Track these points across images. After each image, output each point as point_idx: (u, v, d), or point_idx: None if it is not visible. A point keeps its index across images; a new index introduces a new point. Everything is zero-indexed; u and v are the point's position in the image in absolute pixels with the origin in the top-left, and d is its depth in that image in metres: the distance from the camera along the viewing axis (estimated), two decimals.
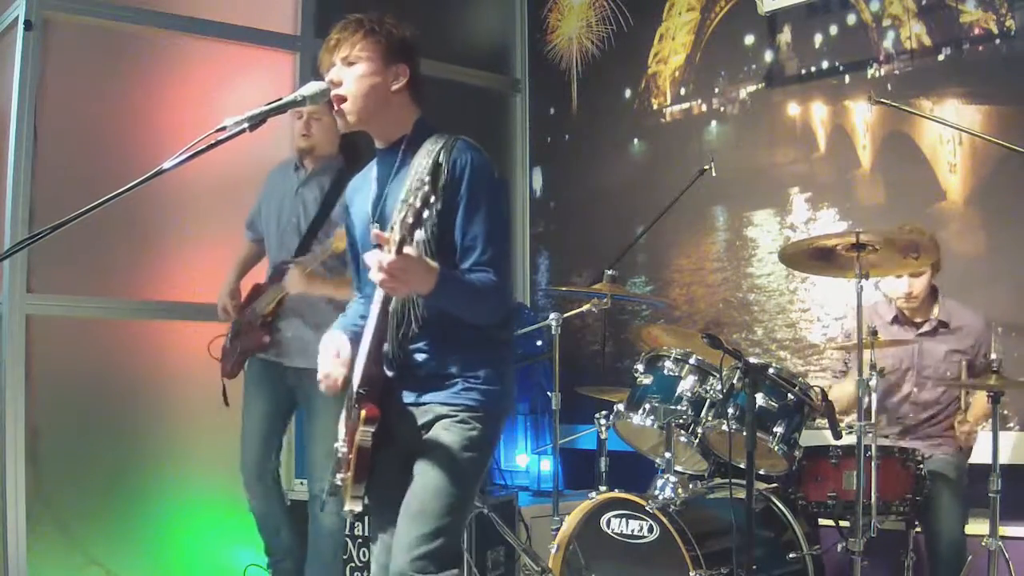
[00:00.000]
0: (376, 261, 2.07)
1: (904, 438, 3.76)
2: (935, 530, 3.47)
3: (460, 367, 2.35)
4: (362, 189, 2.52)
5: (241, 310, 3.78)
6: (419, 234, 2.16)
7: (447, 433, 2.32)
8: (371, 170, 2.51)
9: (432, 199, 2.06)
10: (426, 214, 2.07)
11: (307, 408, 3.70)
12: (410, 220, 2.04)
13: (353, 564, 4.03)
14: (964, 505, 3.54)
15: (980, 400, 3.65)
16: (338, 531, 3.73)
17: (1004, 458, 3.59)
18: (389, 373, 2.37)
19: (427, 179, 2.09)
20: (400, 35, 2.42)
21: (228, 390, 3.83)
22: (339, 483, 2.37)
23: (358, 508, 2.33)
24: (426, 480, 2.30)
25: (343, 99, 2.36)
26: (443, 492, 2.28)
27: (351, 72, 2.37)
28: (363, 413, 2.27)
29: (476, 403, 2.34)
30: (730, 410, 3.39)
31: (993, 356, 3.35)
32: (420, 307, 2.31)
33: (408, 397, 2.39)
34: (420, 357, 2.37)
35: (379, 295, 2.28)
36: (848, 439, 3.29)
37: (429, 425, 2.35)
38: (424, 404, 2.37)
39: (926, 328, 3.79)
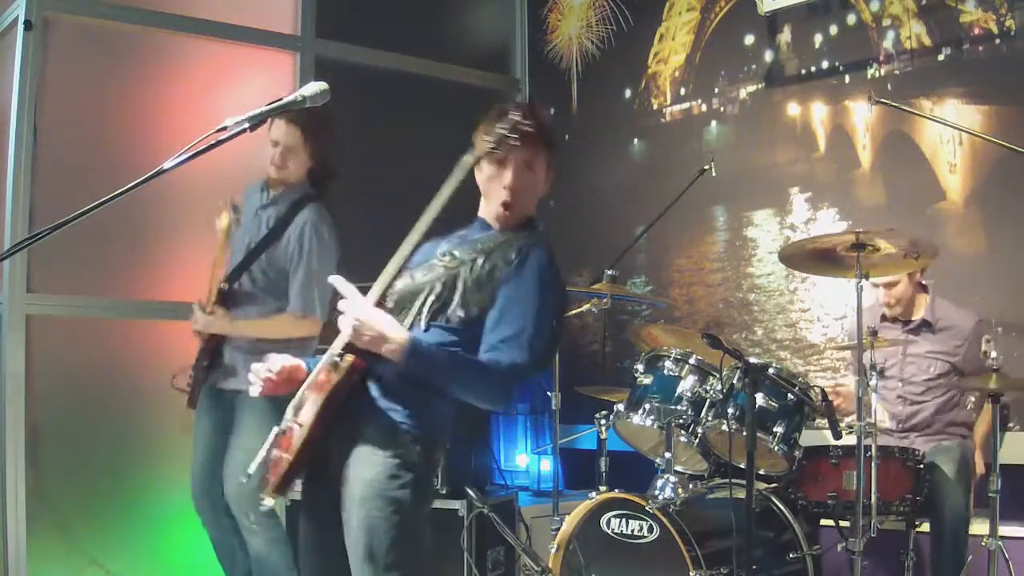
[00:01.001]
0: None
1: (907, 437, 3.76)
2: (939, 527, 3.46)
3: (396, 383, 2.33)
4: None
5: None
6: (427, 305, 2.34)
7: (370, 464, 2.28)
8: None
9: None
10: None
11: (233, 424, 3.60)
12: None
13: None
14: (967, 502, 3.53)
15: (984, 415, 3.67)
16: (277, 557, 3.57)
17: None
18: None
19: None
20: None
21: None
22: (271, 457, 2.32)
23: (283, 494, 2.30)
24: (357, 525, 2.26)
25: (510, 198, 2.42)
26: (381, 532, 2.24)
27: (529, 177, 2.43)
28: (349, 359, 2.28)
29: (406, 427, 2.31)
30: (730, 410, 3.39)
31: (993, 356, 3.35)
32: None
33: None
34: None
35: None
36: (848, 439, 3.29)
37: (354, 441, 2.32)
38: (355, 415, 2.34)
39: (911, 326, 3.81)
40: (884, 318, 3.86)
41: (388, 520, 2.24)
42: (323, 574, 2.40)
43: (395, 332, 2.25)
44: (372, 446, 2.29)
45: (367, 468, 2.27)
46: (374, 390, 2.33)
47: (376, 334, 2.24)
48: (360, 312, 2.25)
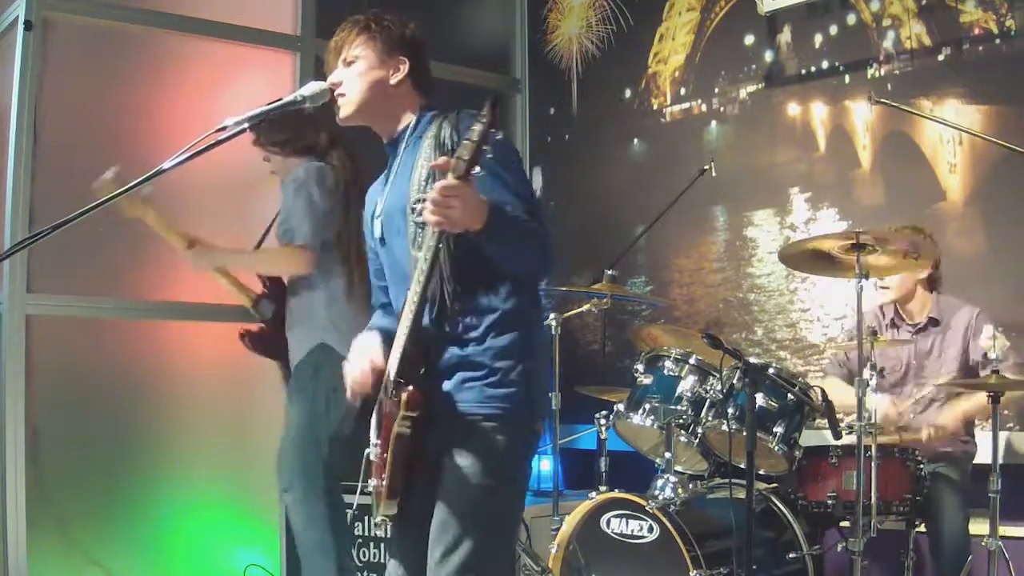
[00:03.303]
0: (437, 188, 2.01)
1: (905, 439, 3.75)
2: (937, 529, 3.46)
3: (489, 356, 2.25)
4: (376, 187, 2.51)
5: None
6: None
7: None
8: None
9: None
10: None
11: None
12: (466, 156, 2.01)
13: (353, 564, 4.02)
14: (966, 504, 3.53)
15: (962, 399, 3.65)
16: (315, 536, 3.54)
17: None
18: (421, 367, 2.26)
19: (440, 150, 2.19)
20: (398, 30, 2.42)
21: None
22: (370, 490, 2.28)
23: (392, 512, 2.24)
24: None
25: (342, 95, 2.38)
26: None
27: (350, 71, 2.38)
28: (403, 398, 2.17)
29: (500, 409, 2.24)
30: (730, 410, 3.39)
31: (993, 356, 3.35)
32: (451, 283, 2.20)
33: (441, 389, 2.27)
34: (450, 342, 2.27)
35: (418, 270, 2.17)
36: (848, 439, 3.29)
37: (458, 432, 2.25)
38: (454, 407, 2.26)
39: (919, 325, 3.80)
40: (894, 322, 3.86)
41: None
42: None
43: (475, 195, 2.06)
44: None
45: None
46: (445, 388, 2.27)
47: (467, 192, 2.02)
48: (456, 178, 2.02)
